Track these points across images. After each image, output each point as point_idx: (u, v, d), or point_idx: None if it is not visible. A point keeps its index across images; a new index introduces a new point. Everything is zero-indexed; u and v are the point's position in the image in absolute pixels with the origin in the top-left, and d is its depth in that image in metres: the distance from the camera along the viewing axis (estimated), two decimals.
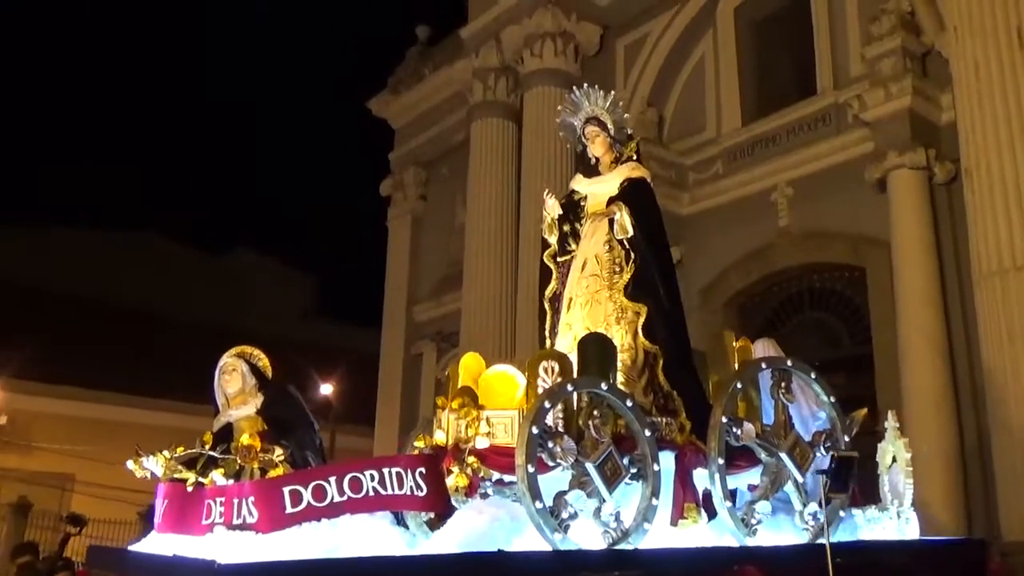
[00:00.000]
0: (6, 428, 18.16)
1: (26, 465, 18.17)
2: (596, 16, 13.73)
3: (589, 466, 4.45)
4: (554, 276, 6.15)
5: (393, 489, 4.12)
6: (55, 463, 17.65)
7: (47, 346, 19.17)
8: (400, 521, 4.53)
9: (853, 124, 10.74)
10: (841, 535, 5.32)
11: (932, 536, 6.39)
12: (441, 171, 17.12)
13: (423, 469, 4.22)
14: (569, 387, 4.63)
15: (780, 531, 5.16)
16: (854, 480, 5.26)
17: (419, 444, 5.02)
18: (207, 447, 4.60)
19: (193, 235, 34.89)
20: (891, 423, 6.01)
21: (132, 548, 4.78)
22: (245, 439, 4.63)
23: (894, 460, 5.81)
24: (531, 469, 4.24)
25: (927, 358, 9.38)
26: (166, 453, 4.43)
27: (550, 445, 4.34)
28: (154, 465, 4.39)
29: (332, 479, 4.05)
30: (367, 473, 4.10)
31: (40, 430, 18.66)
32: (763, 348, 6.17)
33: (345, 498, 4.03)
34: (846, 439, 5.42)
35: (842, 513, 5.37)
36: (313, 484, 4.01)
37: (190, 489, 4.36)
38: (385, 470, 4.14)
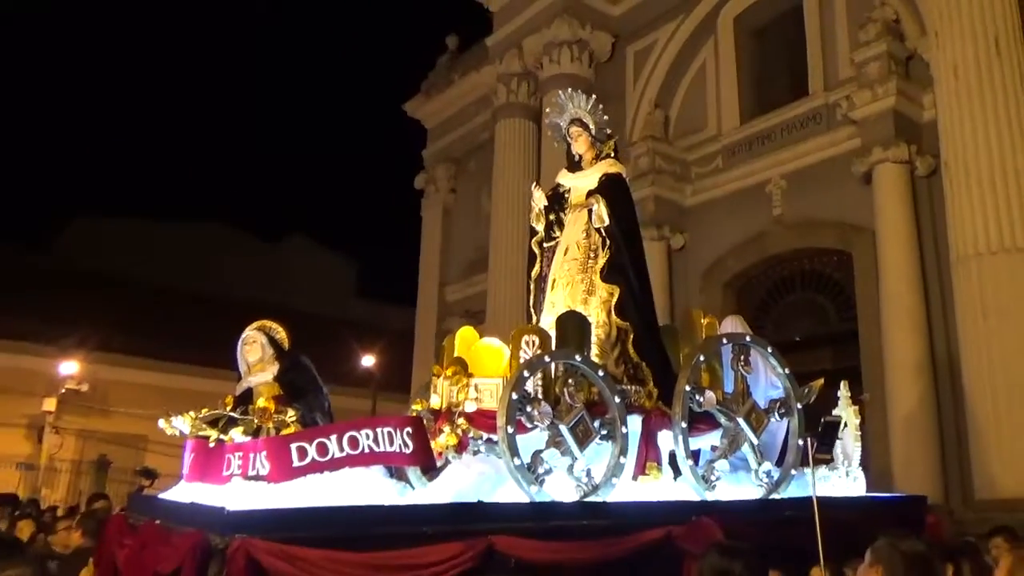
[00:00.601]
0: (88, 395, 18.42)
1: (105, 427, 18.47)
2: (608, 26, 13.62)
3: (563, 428, 4.57)
4: (539, 260, 6.25)
5: (385, 446, 4.22)
6: (130, 425, 17.89)
7: (123, 324, 19.44)
8: (393, 473, 4.64)
9: (842, 122, 10.61)
10: (793, 491, 5.39)
11: (884, 493, 6.45)
12: (469, 166, 17.09)
13: (410, 429, 4.32)
14: (547, 358, 4.72)
15: (740, 486, 5.29)
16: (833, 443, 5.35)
17: (416, 407, 5.15)
18: (228, 408, 4.73)
19: (252, 224, 35.07)
20: (843, 392, 6.03)
21: (161, 496, 4.89)
22: (261, 402, 4.75)
23: (845, 425, 5.84)
24: (510, 430, 4.35)
25: (907, 333, 9.31)
26: (192, 413, 4.55)
27: (529, 409, 4.45)
28: (182, 424, 4.49)
29: (333, 437, 4.15)
30: (363, 432, 4.19)
31: (117, 396, 18.93)
32: (731, 324, 6.25)
33: (344, 454, 4.12)
34: (799, 406, 5.48)
35: (794, 472, 5.42)
36: (317, 441, 4.11)
37: (212, 445, 4.49)
38: (379, 429, 4.23)
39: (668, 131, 12.97)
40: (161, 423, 4.51)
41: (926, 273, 9.52)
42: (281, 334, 5.40)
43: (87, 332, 18.21)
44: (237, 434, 4.51)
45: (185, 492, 4.51)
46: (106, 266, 24.70)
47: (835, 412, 5.87)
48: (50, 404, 17.82)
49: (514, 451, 4.36)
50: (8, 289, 19.44)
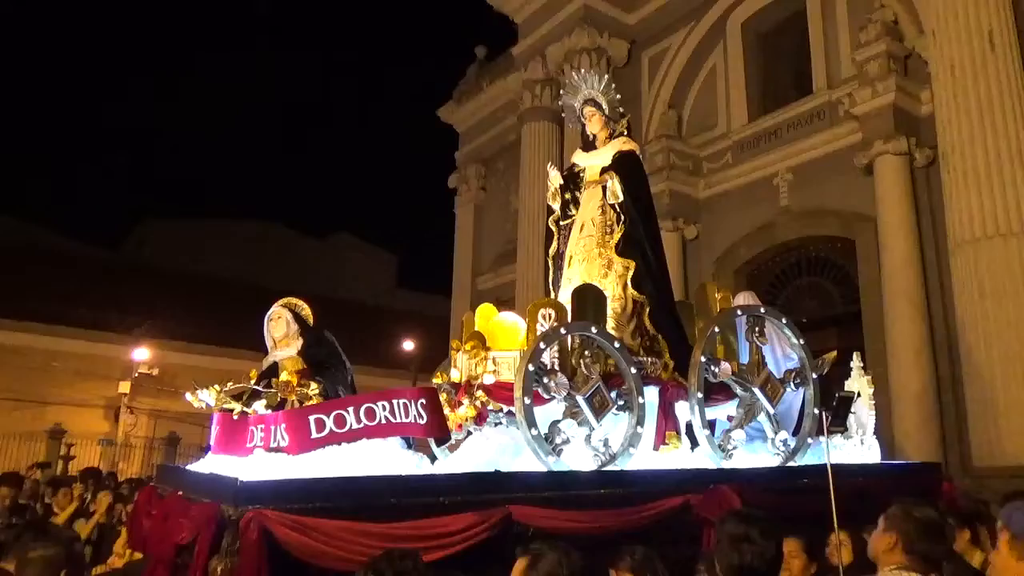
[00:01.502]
0: (158, 378, 18.79)
1: (174, 407, 18.85)
2: (625, 33, 13.48)
3: (580, 399, 4.36)
4: (556, 237, 5.99)
5: (401, 418, 4.00)
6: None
7: (188, 314, 19.79)
8: (411, 445, 4.40)
9: (844, 118, 10.42)
10: (809, 459, 5.18)
11: (897, 461, 6.20)
12: (498, 166, 17.06)
13: (424, 400, 4.10)
14: (562, 330, 4.49)
15: (757, 455, 5.08)
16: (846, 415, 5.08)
17: (437, 380, 4.94)
18: (252, 382, 4.47)
19: (302, 223, 35.41)
20: (856, 364, 5.81)
21: (187, 467, 4.70)
22: (284, 376, 4.57)
23: (859, 395, 5.60)
24: (527, 401, 4.15)
25: (908, 314, 9.15)
26: (217, 387, 4.29)
27: (545, 380, 4.24)
28: (208, 397, 4.25)
29: (351, 409, 3.93)
30: (379, 404, 3.98)
31: (185, 379, 19.28)
32: (743, 298, 5.98)
33: (362, 425, 3.91)
34: (814, 376, 5.25)
35: (810, 440, 5.20)
36: (335, 413, 3.90)
37: (236, 418, 4.27)
38: (394, 401, 4.02)
39: (681, 130, 12.84)
40: (188, 396, 4.29)
41: (925, 257, 9.34)
42: (306, 311, 5.15)
43: (156, 322, 18.58)
44: (260, 407, 4.26)
45: (210, 464, 4.32)
46: (171, 262, 25.12)
47: (848, 384, 5.66)
48: (125, 387, 18.24)
49: (531, 422, 4.15)
50: (86, 283, 19.89)
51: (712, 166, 12.39)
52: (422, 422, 4.05)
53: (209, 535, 3.15)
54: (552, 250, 5.99)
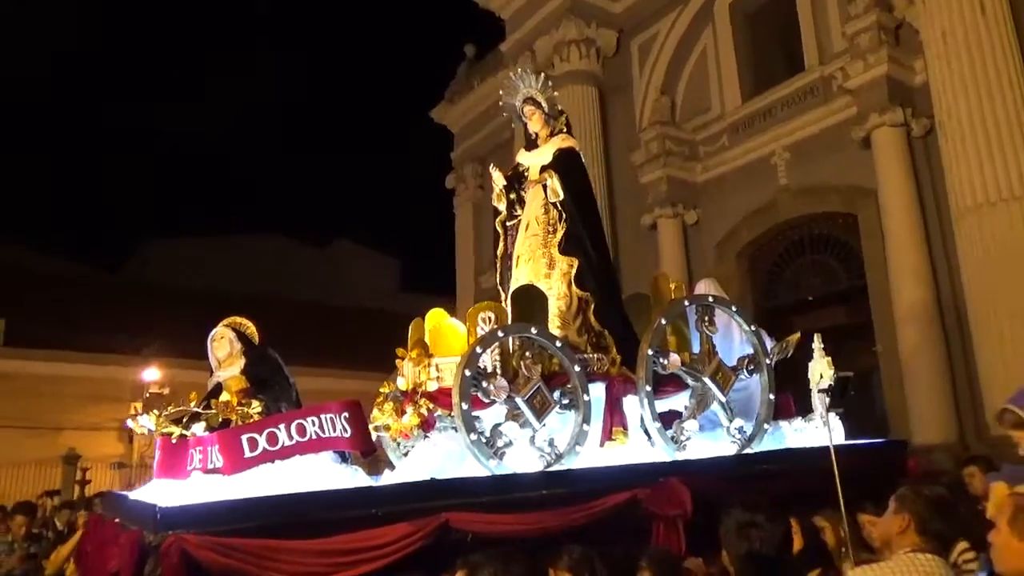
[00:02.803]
0: (169, 397, 18.79)
1: None
2: (612, 22, 13.44)
3: (519, 400, 4.32)
4: (503, 238, 6.00)
5: (330, 432, 3.99)
6: None
7: (195, 331, 19.78)
8: (346, 458, 4.37)
9: (838, 93, 10.37)
10: (768, 444, 5.12)
11: (868, 440, 5.97)
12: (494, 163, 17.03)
13: (347, 413, 4.06)
14: (500, 333, 4.46)
15: (718, 444, 5.01)
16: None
17: (384, 389, 4.86)
18: (192, 404, 4.44)
19: (302, 233, 35.48)
20: (816, 344, 5.64)
21: (125, 494, 4.64)
22: (223, 396, 4.54)
23: (821, 376, 5.33)
24: (465, 406, 4.11)
25: (914, 286, 9.13)
26: (156, 411, 4.31)
27: (484, 384, 4.21)
28: (148, 422, 4.26)
29: (282, 426, 3.92)
30: (309, 419, 3.96)
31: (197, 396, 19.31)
32: (704, 287, 5.92)
33: (294, 442, 3.90)
34: (768, 362, 5.18)
35: (767, 426, 5.13)
36: (267, 431, 3.88)
37: (174, 441, 4.24)
38: (322, 416, 4.00)
39: (675, 115, 12.78)
40: (129, 422, 4.28)
41: (928, 227, 9.30)
42: (250, 329, 5.12)
43: (164, 341, 18.61)
44: (199, 429, 4.22)
45: (152, 489, 4.25)
46: (174, 280, 25.17)
47: (811, 366, 5.60)
48: (137, 407, 18.23)
49: (470, 427, 4.10)
50: (91, 307, 19.93)
51: (708, 149, 12.34)
52: (347, 435, 4.03)
53: (131, 562, 3.16)
54: (500, 251, 6.01)
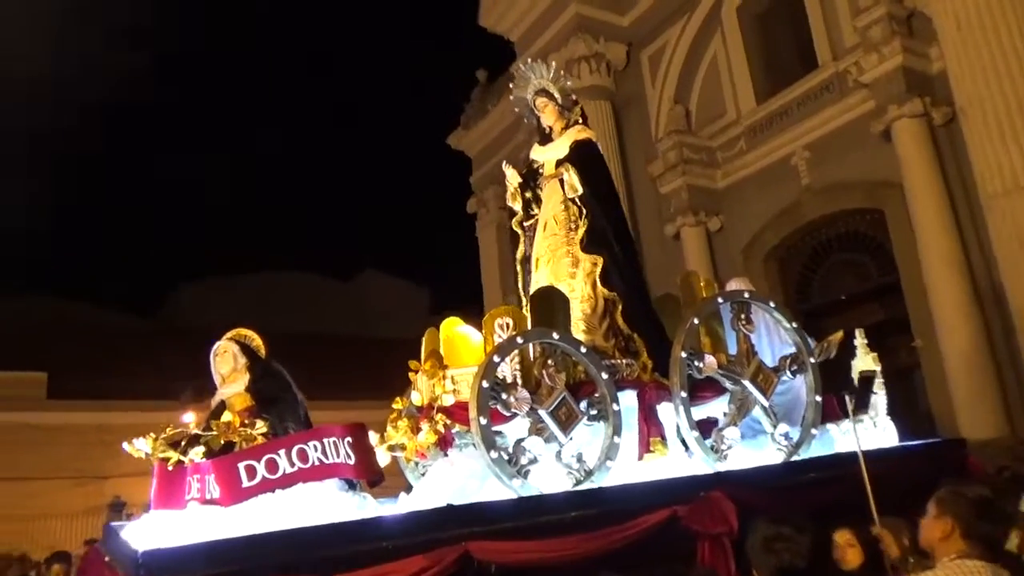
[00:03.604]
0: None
1: None
2: (620, 36, 13.47)
3: (542, 412, 3.97)
4: (521, 240, 5.60)
5: (334, 457, 3.66)
6: None
7: None
8: (354, 486, 4.01)
9: (854, 87, 10.25)
10: (817, 450, 4.74)
11: (919, 440, 5.58)
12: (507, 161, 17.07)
13: (350, 438, 3.73)
14: (519, 340, 4.11)
15: (763, 452, 4.61)
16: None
17: (396, 406, 4.55)
18: (191, 426, 4.02)
19: (328, 267, 35.86)
20: (859, 340, 5.27)
21: (116, 527, 4.26)
22: (224, 416, 4.18)
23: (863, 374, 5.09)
24: (483, 421, 3.76)
25: (949, 277, 8.92)
26: (152, 435, 3.87)
27: (504, 396, 3.86)
28: (144, 445, 3.85)
29: (282, 452, 3.60)
30: (311, 444, 3.64)
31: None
32: (736, 284, 5.50)
33: (295, 468, 3.57)
34: (812, 360, 4.78)
35: (815, 431, 4.74)
36: (266, 458, 3.56)
37: (170, 468, 3.82)
38: (325, 440, 3.68)
39: (690, 123, 12.74)
40: (125, 446, 3.89)
41: (958, 215, 9.10)
42: (256, 342, 4.76)
43: (199, 384, 18.85)
44: (197, 454, 3.82)
45: (147, 522, 3.86)
46: (208, 322, 25.55)
47: (854, 364, 5.16)
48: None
49: (490, 443, 3.74)
50: (130, 353, 20.30)
51: (727, 155, 12.26)
52: (351, 462, 3.71)
53: None
54: (519, 254, 5.61)
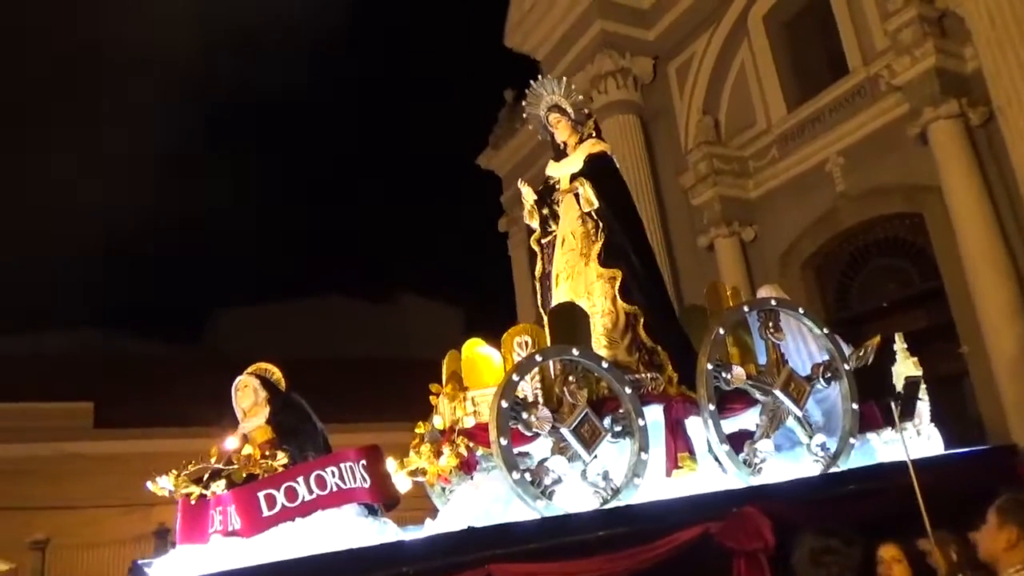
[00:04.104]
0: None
1: None
2: (646, 50, 13.50)
3: (564, 431, 3.91)
4: (540, 257, 5.58)
5: (351, 482, 3.68)
6: None
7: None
8: (375, 510, 4.00)
9: (886, 91, 10.12)
10: (857, 461, 4.60)
11: (968, 448, 5.37)
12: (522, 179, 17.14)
13: (364, 461, 3.75)
14: (538, 357, 4.05)
15: (801, 464, 4.49)
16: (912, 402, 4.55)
17: (419, 430, 4.56)
18: (213, 460, 4.06)
19: (364, 292, 36.25)
20: (899, 346, 5.14)
21: (142, 564, 4.36)
22: (245, 449, 4.22)
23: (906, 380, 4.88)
24: (504, 442, 3.71)
25: (994, 280, 8.70)
26: (175, 471, 3.95)
27: (524, 416, 3.82)
28: (167, 483, 3.92)
29: (301, 479, 3.63)
30: (328, 470, 3.68)
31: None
32: (766, 291, 5.42)
33: (314, 496, 3.60)
34: (846, 367, 4.65)
35: (853, 440, 4.59)
36: (285, 486, 3.60)
37: (193, 502, 3.91)
38: (342, 465, 3.71)
39: (720, 134, 12.68)
40: (149, 485, 3.95)
41: (1001, 216, 8.88)
42: (276, 375, 4.86)
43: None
44: (219, 488, 3.88)
45: (173, 557, 3.94)
46: (248, 349, 25.98)
47: (894, 369, 5.04)
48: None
49: (511, 464, 3.68)
50: (173, 382, 20.72)
51: (758, 164, 12.16)
52: (367, 485, 3.72)
53: None
54: (538, 271, 5.59)
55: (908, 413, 4.38)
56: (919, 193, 9.91)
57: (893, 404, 4.24)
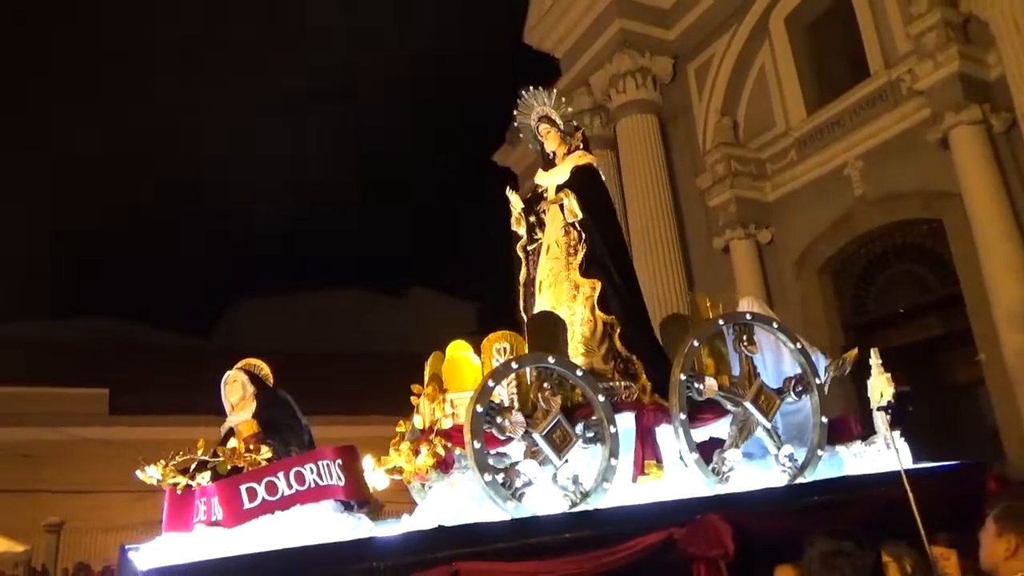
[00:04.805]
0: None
1: None
2: (666, 49, 13.47)
3: (536, 436, 4.02)
4: (525, 264, 5.74)
5: (328, 479, 3.79)
6: None
7: (286, 388, 20.45)
8: (352, 507, 4.07)
9: (908, 96, 10.05)
10: (825, 472, 4.68)
11: (929, 464, 5.29)
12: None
13: (340, 460, 3.85)
14: (514, 364, 4.17)
15: (770, 474, 4.57)
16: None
17: (399, 429, 4.65)
18: (200, 452, 4.14)
19: (378, 285, 36.41)
20: (874, 360, 5.05)
21: (129, 549, 4.45)
22: (232, 442, 4.37)
23: (881, 395, 4.84)
24: (477, 445, 3.84)
25: (1013, 288, 8.63)
26: (163, 461, 4.04)
27: (499, 420, 3.93)
28: (155, 472, 4.01)
29: (281, 475, 3.73)
30: (307, 467, 3.78)
31: None
32: (747, 304, 5.53)
33: (293, 491, 3.71)
34: (818, 381, 4.77)
35: (820, 452, 4.69)
36: (266, 480, 3.70)
37: (179, 492, 4.00)
38: (320, 463, 3.81)
39: (738, 135, 12.63)
40: (138, 473, 4.04)
41: (1021, 223, 8.82)
42: (265, 371, 4.97)
43: None
44: (204, 479, 3.97)
45: (165, 543, 4.03)
46: (262, 340, 26.17)
47: (869, 383, 4.94)
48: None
49: (483, 466, 3.81)
50: (188, 372, 20.92)
51: (776, 167, 12.11)
52: (341, 483, 3.83)
53: None
54: (522, 277, 5.74)
55: (899, 423, 4.43)
56: (938, 199, 9.84)
57: (885, 413, 4.31)
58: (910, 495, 3.42)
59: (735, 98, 12.78)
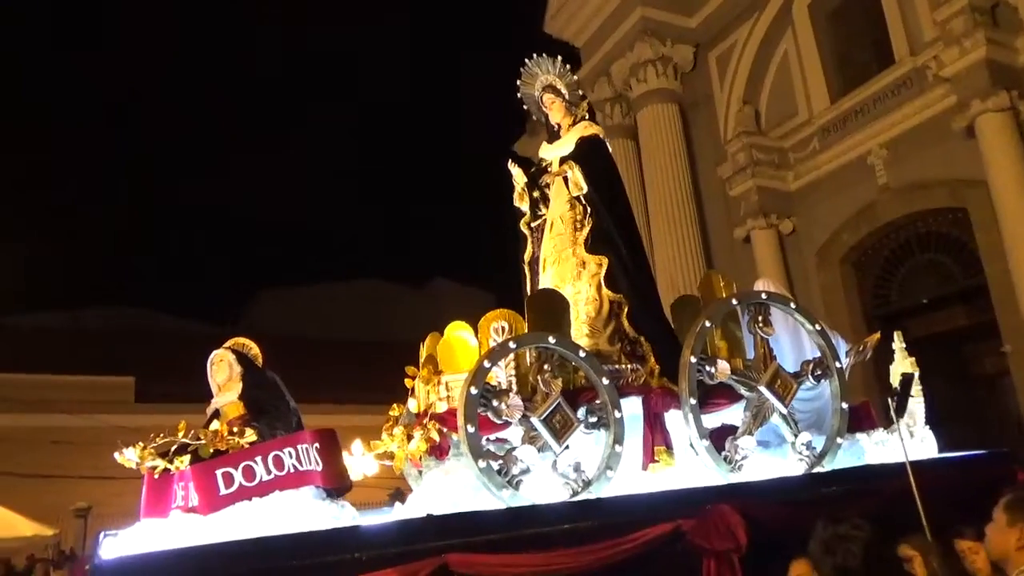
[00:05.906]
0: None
1: None
2: (687, 38, 13.35)
3: (535, 420, 3.75)
4: (529, 241, 5.42)
5: (307, 464, 3.60)
6: None
7: (307, 377, 20.66)
8: (331, 494, 3.87)
9: (933, 83, 9.91)
10: (844, 461, 4.42)
11: (955, 453, 5.08)
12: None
13: (318, 444, 3.66)
14: (512, 344, 3.90)
15: (787, 461, 4.32)
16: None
17: (392, 412, 4.42)
18: (180, 435, 3.87)
19: (399, 275, 36.64)
20: (897, 344, 4.91)
21: (107, 535, 4.22)
22: (214, 424, 4.11)
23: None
24: (471, 429, 3.58)
25: None
26: (141, 444, 3.79)
27: (495, 403, 3.68)
28: (133, 455, 3.77)
29: (259, 459, 3.54)
30: (286, 451, 3.59)
31: None
32: (761, 285, 5.21)
33: (272, 476, 3.51)
34: (838, 365, 4.47)
35: (841, 440, 4.41)
36: (243, 465, 3.51)
37: (156, 476, 3.76)
38: (299, 447, 3.62)
39: (760, 124, 12.52)
40: (116, 456, 3.82)
41: None
42: (254, 351, 4.75)
43: None
44: (182, 463, 3.74)
45: (133, 531, 3.79)
46: (285, 329, 26.43)
47: (892, 368, 4.83)
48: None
49: (477, 452, 3.57)
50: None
51: (799, 155, 11.99)
52: (319, 469, 3.64)
53: None
54: (527, 255, 5.43)
55: (901, 410, 4.20)
56: (964, 187, 9.70)
57: (890, 400, 4.12)
58: (913, 487, 3.31)
59: (757, 86, 12.66)
